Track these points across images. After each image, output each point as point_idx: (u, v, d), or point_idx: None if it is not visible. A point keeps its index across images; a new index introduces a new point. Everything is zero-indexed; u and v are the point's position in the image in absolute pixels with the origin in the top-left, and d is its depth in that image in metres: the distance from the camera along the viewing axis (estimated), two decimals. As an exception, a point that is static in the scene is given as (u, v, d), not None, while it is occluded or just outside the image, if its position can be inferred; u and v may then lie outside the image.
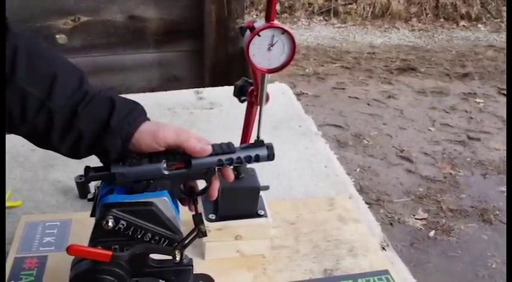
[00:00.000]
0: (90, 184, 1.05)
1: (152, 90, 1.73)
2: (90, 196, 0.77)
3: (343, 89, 4.02)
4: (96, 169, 0.72)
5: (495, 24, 5.58)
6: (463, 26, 5.53)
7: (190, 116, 1.50)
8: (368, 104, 3.77)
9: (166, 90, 1.67)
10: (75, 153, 0.73)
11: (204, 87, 1.69)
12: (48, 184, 1.16)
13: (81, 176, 0.72)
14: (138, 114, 0.73)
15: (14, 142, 0.75)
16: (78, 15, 1.98)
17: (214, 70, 2.10)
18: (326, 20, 5.47)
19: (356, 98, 3.87)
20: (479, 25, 5.56)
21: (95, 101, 0.71)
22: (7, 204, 1.08)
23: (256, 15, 5.25)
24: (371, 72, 4.33)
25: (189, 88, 1.67)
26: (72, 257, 0.72)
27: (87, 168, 0.72)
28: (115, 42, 2.06)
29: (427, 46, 5.03)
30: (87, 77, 0.73)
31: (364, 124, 3.48)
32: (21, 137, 0.72)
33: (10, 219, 1.04)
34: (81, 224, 1.00)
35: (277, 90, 1.65)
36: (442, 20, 5.62)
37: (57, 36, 1.97)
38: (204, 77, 2.13)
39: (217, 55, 2.08)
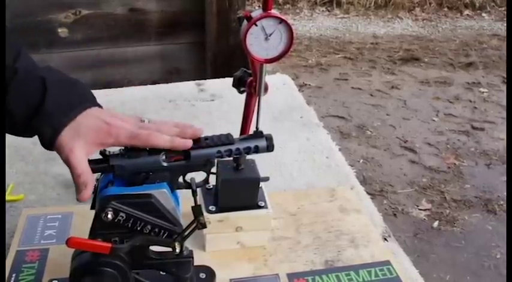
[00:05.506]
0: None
1: (154, 82, 1.73)
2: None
3: (346, 79, 3.99)
4: (95, 161, 0.72)
5: (499, 12, 5.53)
6: (467, 15, 5.48)
7: (192, 108, 1.50)
8: (371, 95, 3.75)
9: (168, 83, 1.66)
10: (15, 132, 0.70)
11: (205, 79, 1.68)
12: (49, 177, 1.17)
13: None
14: (79, 100, 0.69)
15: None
16: (79, 8, 1.98)
17: (215, 62, 2.10)
18: (329, 11, 5.43)
19: (359, 88, 3.85)
20: (484, 14, 5.51)
21: (25, 81, 0.67)
22: (9, 197, 1.08)
23: (258, 6, 5.21)
24: (374, 63, 4.30)
25: (190, 80, 1.67)
26: (73, 250, 0.72)
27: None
28: (116, 35, 2.05)
29: (431, 36, 4.99)
30: (26, 52, 0.69)
31: (367, 115, 3.47)
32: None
33: (12, 213, 1.05)
34: (82, 217, 1.00)
35: (278, 81, 1.64)
36: (445, 9, 5.56)
37: (59, 29, 1.97)
38: (206, 69, 2.13)
39: (218, 47, 2.08)
